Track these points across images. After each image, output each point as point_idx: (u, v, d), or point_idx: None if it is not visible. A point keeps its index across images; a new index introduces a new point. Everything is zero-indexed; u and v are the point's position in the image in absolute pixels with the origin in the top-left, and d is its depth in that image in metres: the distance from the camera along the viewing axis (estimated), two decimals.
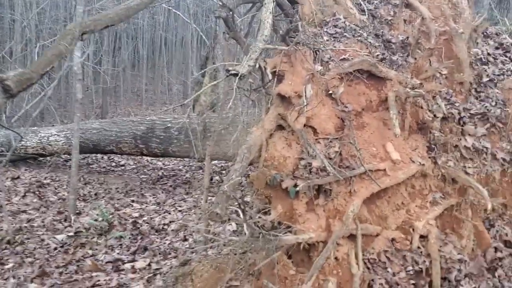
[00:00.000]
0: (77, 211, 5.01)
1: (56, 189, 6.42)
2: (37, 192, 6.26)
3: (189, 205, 4.66)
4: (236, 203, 2.36)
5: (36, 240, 4.44)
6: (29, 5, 13.42)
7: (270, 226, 2.52)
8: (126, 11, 2.57)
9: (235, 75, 2.15)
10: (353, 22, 3.02)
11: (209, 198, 5.09)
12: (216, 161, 6.94)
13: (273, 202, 2.60)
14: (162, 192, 5.71)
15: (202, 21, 17.00)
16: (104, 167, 7.96)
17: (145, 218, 4.50)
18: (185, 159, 7.65)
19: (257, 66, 2.32)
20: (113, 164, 8.09)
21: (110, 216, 4.44)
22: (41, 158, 8.82)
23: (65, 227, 4.69)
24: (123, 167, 7.82)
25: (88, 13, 6.83)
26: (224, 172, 6.49)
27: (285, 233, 2.49)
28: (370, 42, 2.96)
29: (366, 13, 3.09)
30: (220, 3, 2.67)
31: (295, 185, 2.50)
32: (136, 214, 4.70)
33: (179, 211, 4.53)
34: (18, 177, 7.24)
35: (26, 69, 2.10)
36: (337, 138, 2.61)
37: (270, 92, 2.55)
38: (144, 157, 8.12)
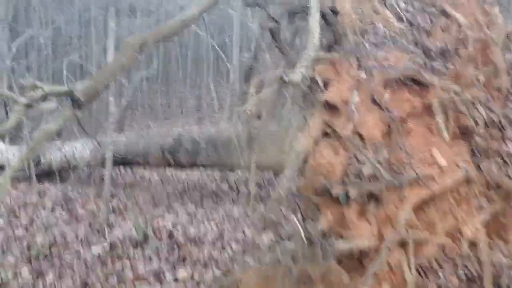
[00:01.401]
0: (110, 224, 5.05)
1: (84, 202, 6.48)
2: (65, 206, 6.33)
3: (222, 215, 4.67)
4: (289, 210, 2.38)
5: (72, 253, 4.49)
6: (45, 23, 13.69)
7: (320, 234, 2.53)
8: (180, 24, 2.62)
9: (289, 82, 2.18)
10: (392, 30, 3.05)
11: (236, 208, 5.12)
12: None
13: (322, 210, 2.61)
14: (191, 203, 5.74)
15: (216, 36, 17.16)
16: (129, 179, 8.02)
17: (179, 229, 4.51)
18: (209, 170, 7.70)
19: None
20: (138, 177, 8.15)
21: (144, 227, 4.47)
22: (65, 172, 8.94)
23: (100, 240, 4.73)
24: (148, 180, 7.87)
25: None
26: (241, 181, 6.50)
27: (337, 240, 2.49)
28: (410, 50, 2.98)
29: (404, 21, 3.11)
30: (267, 14, 2.72)
31: (346, 192, 2.51)
32: (170, 225, 4.72)
33: (213, 221, 4.55)
34: (45, 192, 7.32)
35: (91, 81, 2.15)
36: (385, 144, 2.62)
37: (316, 100, 2.58)
38: (167, 169, 8.18)
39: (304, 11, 2.76)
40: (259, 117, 2.59)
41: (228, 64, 11.61)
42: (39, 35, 10.88)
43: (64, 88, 2.11)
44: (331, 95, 2.55)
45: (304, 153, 2.56)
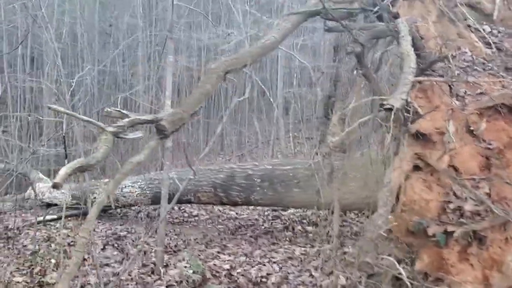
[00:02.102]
0: (164, 264, 4.87)
1: (134, 241, 6.35)
2: (115, 245, 6.20)
3: (283, 256, 4.42)
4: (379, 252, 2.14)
5: None
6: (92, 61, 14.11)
7: (417, 277, 2.27)
8: (261, 49, 2.51)
9: (389, 109, 1.98)
10: (480, 56, 2.84)
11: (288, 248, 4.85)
12: (296, 209, 6.73)
13: (418, 251, 2.35)
14: (245, 243, 5.51)
15: (257, 72, 17.25)
16: (176, 217, 7.87)
17: (238, 270, 4.28)
18: (263, 208, 7.48)
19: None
20: (185, 214, 8.00)
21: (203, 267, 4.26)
22: (111, 211, 8.90)
23: (155, 280, 4.55)
24: (196, 217, 7.71)
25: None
26: (305, 221, 6.24)
27: (436, 285, 2.22)
28: (502, 75, 2.75)
29: (492, 46, 2.90)
30: (353, 38, 2.57)
31: (445, 232, 2.25)
32: (227, 266, 4.50)
33: (274, 262, 4.30)
34: (94, 230, 7.24)
35: (177, 109, 2.03)
36: (484, 178, 2.37)
37: (406, 129, 2.37)
38: (215, 207, 8.01)
39: (390, 35, 2.59)
40: (343, 150, 2.40)
41: (271, 99, 11.53)
42: (88, 73, 11.11)
43: (150, 116, 1.99)
44: (424, 124, 2.34)
45: (395, 188, 2.34)
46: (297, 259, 4.26)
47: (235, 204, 5.96)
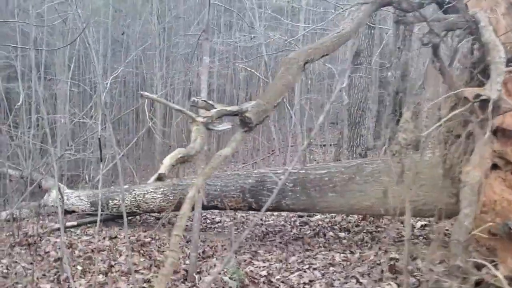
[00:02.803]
0: (198, 270, 4.72)
1: (159, 247, 6.21)
2: (142, 251, 6.06)
3: (323, 262, 4.26)
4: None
5: None
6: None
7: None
8: (338, 39, 2.39)
9: (485, 101, 1.85)
10: None
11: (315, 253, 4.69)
12: (322, 214, 6.58)
13: (501, 255, 2.20)
14: (276, 249, 5.36)
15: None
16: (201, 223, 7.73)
17: (277, 277, 4.13)
18: (284, 214, 7.33)
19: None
20: (208, 221, 7.86)
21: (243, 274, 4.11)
22: (130, 217, 8.76)
23: (190, 287, 4.40)
24: (219, 224, 7.56)
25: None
26: (336, 227, 6.09)
27: None
28: None
29: None
30: (430, 29, 2.45)
31: None
32: (264, 272, 4.34)
33: (314, 269, 4.14)
34: (116, 237, 7.11)
35: (260, 100, 1.90)
36: None
37: (485, 125, 2.22)
38: (238, 213, 7.86)
39: (462, 27, 2.47)
40: (416, 148, 2.26)
41: (288, 105, 11.41)
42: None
43: (235, 107, 1.86)
44: (508, 120, 2.21)
45: (476, 187, 2.19)
46: (338, 265, 4.10)
47: (265, 210, 5.80)
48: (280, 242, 5.74)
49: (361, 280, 3.57)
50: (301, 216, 6.96)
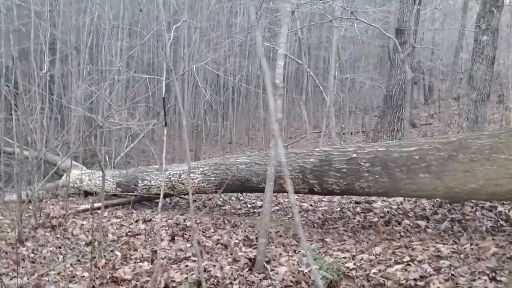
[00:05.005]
0: (267, 259, 4.02)
1: (204, 232, 5.51)
2: (186, 236, 5.37)
3: (427, 254, 3.54)
4: None
5: None
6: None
7: None
8: None
9: None
10: None
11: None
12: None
13: None
14: (348, 238, 4.65)
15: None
16: (239, 208, 7.04)
17: (374, 271, 3.41)
18: (335, 199, 6.63)
19: None
20: (248, 205, 7.16)
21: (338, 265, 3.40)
22: (158, 200, 8.06)
23: (261, 280, 3.69)
24: (261, 209, 6.86)
25: None
26: (410, 214, 5.37)
27: None
28: None
29: None
30: None
31: None
32: (351, 265, 3.63)
33: (419, 261, 3.43)
34: (150, 220, 6.42)
35: None
36: None
37: None
38: (280, 198, 7.17)
39: None
40: None
41: (321, 87, 10.67)
42: None
43: None
44: None
45: None
46: (449, 258, 3.39)
47: (330, 193, 5.09)
48: (346, 230, 5.04)
49: (498, 278, 2.86)
50: (358, 202, 6.26)
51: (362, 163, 4.60)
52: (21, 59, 12.27)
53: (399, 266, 3.40)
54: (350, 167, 4.70)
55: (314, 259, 3.48)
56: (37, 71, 9.89)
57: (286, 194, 6.54)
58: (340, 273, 3.33)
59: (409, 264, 3.39)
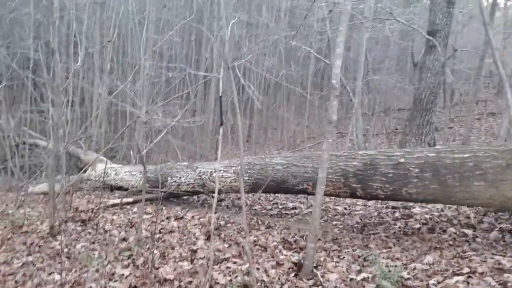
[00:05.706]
0: (314, 264, 3.90)
1: (239, 232, 5.40)
2: (222, 236, 5.27)
3: (487, 267, 3.40)
4: None
5: None
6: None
7: None
8: None
9: None
10: None
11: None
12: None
13: None
14: (393, 245, 4.51)
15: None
16: (270, 208, 6.92)
17: (432, 282, 3.28)
18: (370, 204, 6.49)
19: None
20: (280, 206, 7.04)
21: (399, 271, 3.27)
22: (185, 197, 7.99)
23: (310, 286, 3.57)
24: (295, 210, 6.74)
25: None
26: (454, 222, 5.22)
27: None
28: None
29: None
30: None
31: None
32: (405, 275, 3.50)
33: (480, 273, 3.29)
34: (182, 218, 6.33)
35: None
36: None
37: None
38: (311, 200, 7.04)
39: None
40: None
41: (349, 90, 10.51)
42: None
43: None
44: None
45: None
46: (510, 272, 3.25)
47: (373, 197, 4.95)
48: (388, 236, 4.90)
49: None
50: (395, 207, 6.12)
51: (411, 169, 4.46)
52: (48, 53, 12.27)
53: (460, 278, 3.26)
54: (398, 172, 4.56)
55: (371, 265, 3.35)
56: (72, 64, 9.84)
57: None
58: (399, 283, 3.20)
59: (470, 277, 3.25)
